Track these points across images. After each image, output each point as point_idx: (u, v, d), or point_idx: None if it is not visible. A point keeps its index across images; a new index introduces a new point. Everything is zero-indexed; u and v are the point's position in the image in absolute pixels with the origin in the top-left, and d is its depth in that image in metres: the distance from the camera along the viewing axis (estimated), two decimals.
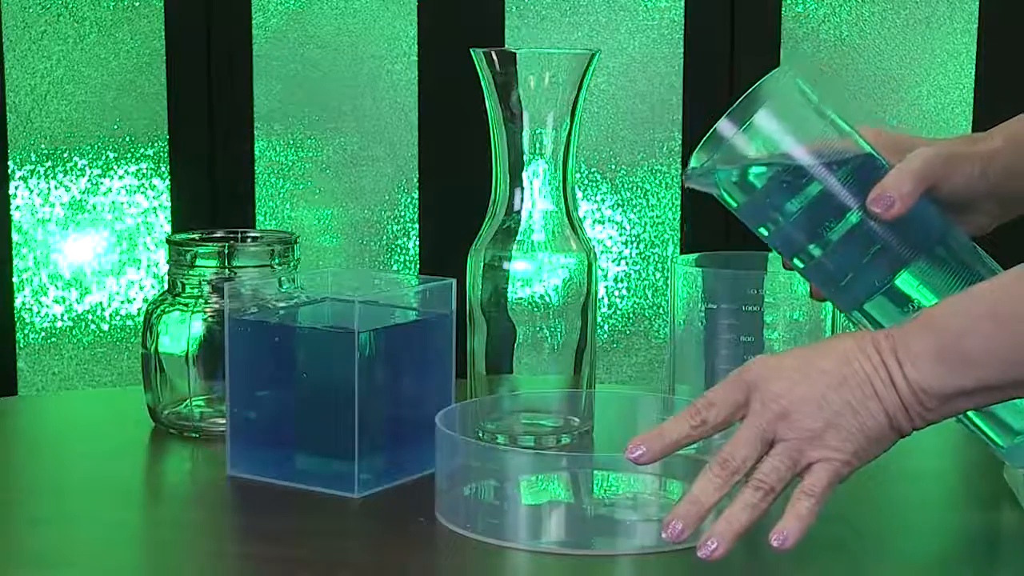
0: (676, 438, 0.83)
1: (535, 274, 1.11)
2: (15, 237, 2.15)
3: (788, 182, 0.87)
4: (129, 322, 2.20)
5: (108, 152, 2.18)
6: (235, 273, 1.14)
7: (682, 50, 2.14)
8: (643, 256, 2.20)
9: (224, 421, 1.07)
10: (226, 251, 1.15)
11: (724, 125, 0.88)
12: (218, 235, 1.18)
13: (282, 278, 1.12)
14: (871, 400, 0.80)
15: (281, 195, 2.22)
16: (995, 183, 0.91)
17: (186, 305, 1.14)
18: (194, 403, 1.15)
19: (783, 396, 0.81)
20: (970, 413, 0.88)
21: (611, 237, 2.19)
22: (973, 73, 2.06)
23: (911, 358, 0.80)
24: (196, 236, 1.18)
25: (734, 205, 0.90)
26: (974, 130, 2.00)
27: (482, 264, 1.11)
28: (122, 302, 2.20)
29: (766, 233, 0.90)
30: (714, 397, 0.83)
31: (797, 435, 0.81)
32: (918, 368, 0.79)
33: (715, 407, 0.83)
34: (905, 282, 0.88)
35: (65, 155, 2.16)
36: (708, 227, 2.09)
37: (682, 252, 2.14)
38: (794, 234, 0.88)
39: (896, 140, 0.93)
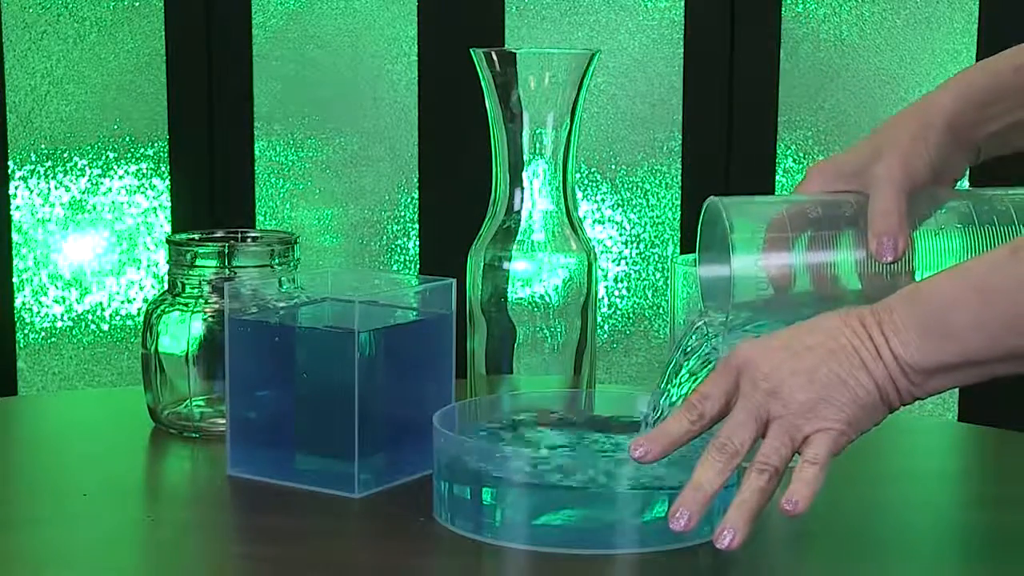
0: (678, 434, 0.84)
1: (535, 274, 1.11)
2: (15, 237, 2.15)
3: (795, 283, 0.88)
4: (129, 322, 2.20)
5: (108, 152, 2.18)
6: (235, 273, 1.14)
7: (682, 50, 2.14)
8: (643, 256, 2.20)
9: (224, 421, 1.07)
10: (226, 251, 1.15)
11: (707, 273, 0.91)
12: (218, 235, 1.18)
13: (282, 278, 1.12)
14: (859, 371, 0.80)
15: (281, 195, 2.22)
16: (953, 138, 0.91)
17: (186, 305, 1.14)
18: (194, 403, 1.15)
19: (772, 374, 0.81)
20: None
21: (611, 237, 2.19)
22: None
23: (896, 331, 0.80)
24: (196, 236, 1.18)
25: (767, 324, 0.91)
26: None
27: (482, 264, 1.11)
28: (122, 302, 2.20)
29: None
30: (707, 390, 0.84)
31: (790, 411, 0.81)
32: (903, 341, 0.80)
33: (709, 399, 0.83)
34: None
35: (65, 155, 2.16)
36: None
37: (682, 252, 2.14)
38: (835, 296, 0.89)
39: (840, 167, 0.92)
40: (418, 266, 2.20)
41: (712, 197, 0.91)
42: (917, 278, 0.88)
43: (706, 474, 0.81)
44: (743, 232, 0.88)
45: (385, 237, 2.22)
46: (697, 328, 0.92)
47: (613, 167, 2.16)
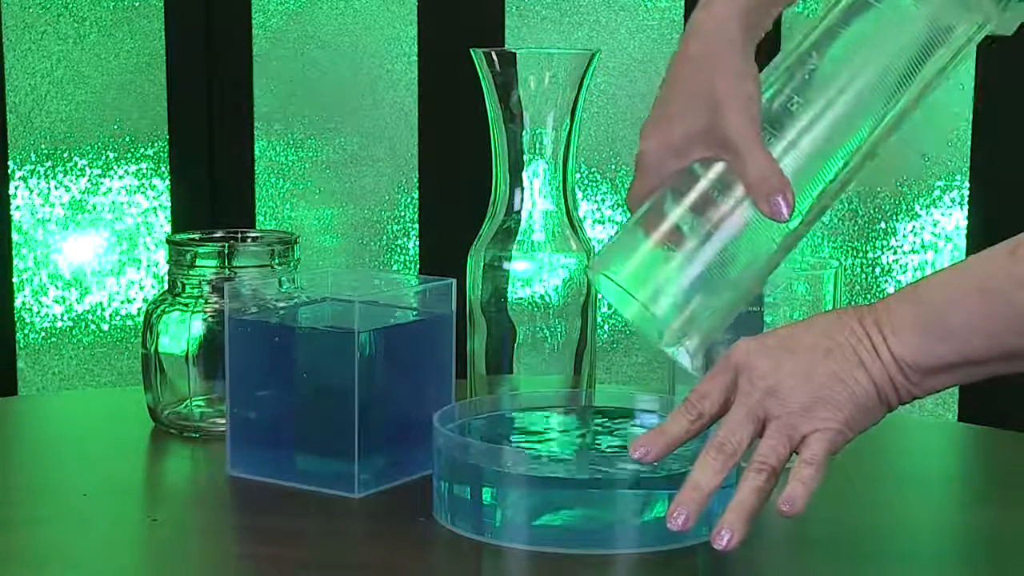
0: (677, 434, 0.84)
1: (535, 274, 1.11)
2: (15, 237, 2.15)
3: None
4: (129, 322, 2.20)
5: (108, 152, 2.18)
6: (235, 273, 1.14)
7: None
8: None
9: (224, 421, 1.07)
10: (226, 251, 1.15)
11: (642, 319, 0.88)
12: (218, 235, 1.18)
13: (282, 278, 1.12)
14: (857, 369, 0.80)
15: (281, 195, 2.22)
16: (754, 46, 0.88)
17: (186, 305, 1.14)
18: (194, 403, 1.15)
19: (769, 373, 0.81)
20: None
21: (611, 237, 2.19)
22: (973, 71, 2.06)
23: (894, 330, 0.80)
24: (196, 236, 1.18)
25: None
26: (975, 127, 2.00)
27: (482, 264, 1.11)
28: (122, 302, 2.20)
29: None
30: (705, 389, 0.84)
31: (788, 410, 0.81)
32: (901, 340, 0.79)
33: (708, 398, 0.83)
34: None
35: (65, 155, 2.16)
36: None
37: None
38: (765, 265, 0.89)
39: (677, 142, 0.87)
40: (418, 266, 2.20)
41: (587, 270, 0.89)
42: (799, 207, 0.85)
43: (704, 473, 0.81)
44: (639, 284, 0.87)
45: (385, 237, 2.22)
46: None
47: (613, 167, 2.16)
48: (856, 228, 2.06)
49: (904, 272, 2.06)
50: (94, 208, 2.18)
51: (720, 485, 0.82)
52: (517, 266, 1.11)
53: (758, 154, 0.84)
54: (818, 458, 0.80)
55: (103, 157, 2.18)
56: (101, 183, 2.18)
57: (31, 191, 2.15)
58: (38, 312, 2.18)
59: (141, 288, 2.20)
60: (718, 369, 0.84)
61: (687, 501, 0.81)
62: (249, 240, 1.18)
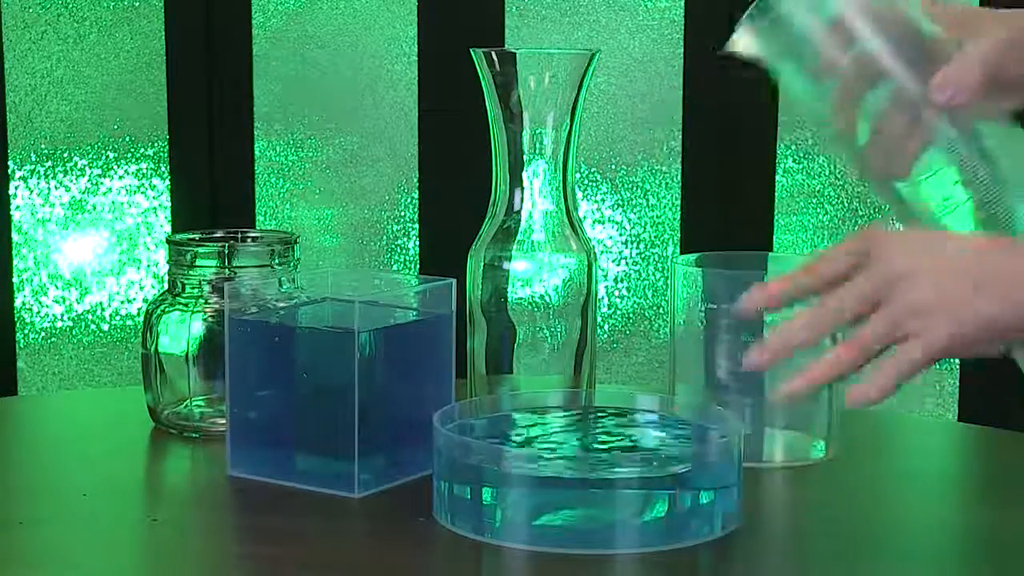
0: (785, 288, 0.81)
1: (535, 274, 1.11)
2: (15, 237, 2.15)
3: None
4: (129, 322, 2.20)
5: (108, 152, 2.18)
6: (235, 273, 1.14)
7: (682, 50, 2.14)
8: (643, 256, 2.20)
9: (224, 421, 1.07)
10: (226, 251, 1.15)
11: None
12: (218, 235, 1.18)
13: (282, 278, 1.12)
14: (996, 295, 0.76)
15: (281, 195, 2.22)
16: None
17: (186, 305, 1.14)
18: (194, 403, 1.15)
19: (902, 264, 0.78)
20: None
21: (611, 237, 2.19)
22: None
23: None
24: (196, 236, 1.18)
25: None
26: None
27: (482, 264, 1.11)
28: (122, 302, 2.20)
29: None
30: (833, 253, 0.81)
31: (904, 303, 0.77)
32: None
33: (831, 261, 0.80)
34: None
35: (65, 155, 2.16)
36: (708, 227, 2.09)
37: (682, 252, 2.14)
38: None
39: (950, 14, 0.85)
40: (418, 266, 2.20)
41: None
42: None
43: (799, 321, 0.79)
44: None
45: (385, 237, 2.22)
46: None
47: (613, 167, 2.16)
48: (856, 228, 2.06)
49: None
50: (94, 208, 2.18)
51: (809, 343, 0.79)
52: (517, 266, 1.11)
53: (975, 62, 0.82)
54: (915, 359, 0.77)
55: (103, 157, 2.17)
56: (101, 183, 2.18)
57: (31, 191, 2.15)
58: (38, 312, 2.18)
59: (141, 288, 2.20)
60: (853, 242, 0.80)
61: (773, 343, 0.79)
62: (249, 240, 1.18)
